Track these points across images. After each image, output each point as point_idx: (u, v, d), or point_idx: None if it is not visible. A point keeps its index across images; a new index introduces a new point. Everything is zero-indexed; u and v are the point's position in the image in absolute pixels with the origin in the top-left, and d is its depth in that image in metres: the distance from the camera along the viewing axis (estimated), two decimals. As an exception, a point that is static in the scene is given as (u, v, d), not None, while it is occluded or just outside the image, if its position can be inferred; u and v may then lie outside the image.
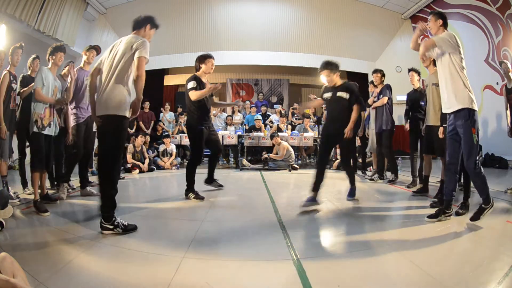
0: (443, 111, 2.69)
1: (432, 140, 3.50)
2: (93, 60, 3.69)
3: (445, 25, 2.60)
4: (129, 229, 2.35)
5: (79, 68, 3.63)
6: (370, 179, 4.90)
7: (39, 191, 3.01)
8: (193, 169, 3.60)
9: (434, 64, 3.57)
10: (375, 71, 4.82)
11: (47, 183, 3.56)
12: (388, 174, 4.85)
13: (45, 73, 3.09)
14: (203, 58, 3.76)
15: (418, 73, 4.25)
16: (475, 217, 2.43)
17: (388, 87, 4.61)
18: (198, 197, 3.50)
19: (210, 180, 4.00)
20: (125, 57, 2.37)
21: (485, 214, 2.43)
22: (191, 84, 3.55)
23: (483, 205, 2.44)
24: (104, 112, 2.37)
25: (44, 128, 3.03)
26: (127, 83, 2.42)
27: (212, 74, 12.59)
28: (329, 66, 3.41)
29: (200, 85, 3.59)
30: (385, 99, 4.52)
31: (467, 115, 2.44)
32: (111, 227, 2.29)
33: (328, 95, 3.50)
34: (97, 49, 3.71)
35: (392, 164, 4.68)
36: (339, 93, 3.38)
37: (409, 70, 4.30)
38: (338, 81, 3.44)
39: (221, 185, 4.07)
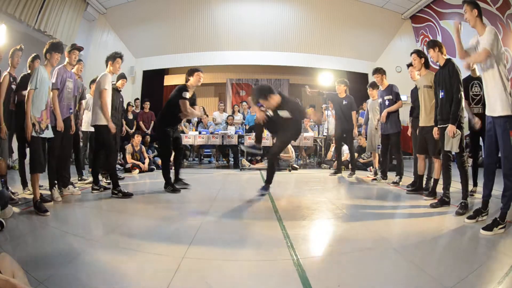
0: (488, 114, 2.52)
1: (425, 140, 3.56)
2: (75, 62, 3.65)
3: (480, 15, 2.50)
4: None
5: (62, 67, 3.53)
6: (373, 179, 4.89)
7: (27, 191, 3.12)
8: (169, 166, 4.00)
9: (426, 67, 3.64)
10: (375, 71, 4.72)
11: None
12: (391, 175, 4.85)
13: (41, 73, 3.00)
14: (191, 72, 3.97)
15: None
16: (489, 228, 2.27)
17: (396, 89, 4.51)
18: (174, 190, 3.91)
19: (176, 180, 4.18)
20: (97, 88, 3.72)
21: (498, 229, 2.26)
22: (187, 95, 3.85)
23: (498, 219, 2.29)
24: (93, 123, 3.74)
25: (42, 132, 2.99)
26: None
27: (212, 74, 12.61)
28: (261, 95, 3.60)
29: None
30: (400, 103, 4.47)
31: (507, 120, 2.35)
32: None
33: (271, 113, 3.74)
34: (79, 49, 3.64)
35: (400, 166, 4.62)
36: (280, 112, 3.61)
37: (408, 65, 4.19)
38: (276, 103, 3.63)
39: (187, 184, 4.21)
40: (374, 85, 5.03)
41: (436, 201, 3.22)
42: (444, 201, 3.12)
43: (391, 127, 4.48)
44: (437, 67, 3.31)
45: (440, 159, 3.37)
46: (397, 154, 4.62)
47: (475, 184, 3.67)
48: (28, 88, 2.91)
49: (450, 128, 2.94)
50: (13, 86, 3.27)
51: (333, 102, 5.64)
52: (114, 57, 3.92)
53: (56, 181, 3.52)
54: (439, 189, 3.38)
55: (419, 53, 3.66)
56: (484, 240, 2.16)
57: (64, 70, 3.51)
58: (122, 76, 4.81)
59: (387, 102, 4.53)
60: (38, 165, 2.96)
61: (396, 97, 4.47)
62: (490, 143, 2.49)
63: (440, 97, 3.13)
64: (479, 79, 3.46)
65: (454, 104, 2.96)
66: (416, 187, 3.90)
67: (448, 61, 3.11)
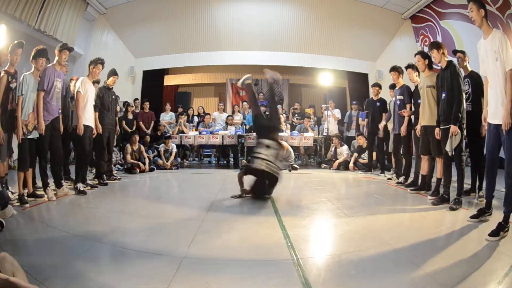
0: (489, 121, 2.49)
1: (428, 140, 3.54)
2: (65, 61, 3.63)
3: (486, 16, 2.44)
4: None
5: (51, 66, 3.49)
6: (398, 182, 4.63)
7: (26, 191, 3.30)
8: None
9: (430, 68, 3.61)
10: (392, 69, 4.61)
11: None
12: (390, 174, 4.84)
13: (26, 81, 3.20)
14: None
15: (417, 69, 4.09)
16: (494, 234, 2.19)
17: (409, 91, 4.38)
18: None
19: None
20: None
21: (503, 233, 2.20)
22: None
23: (502, 223, 2.23)
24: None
25: (29, 133, 3.23)
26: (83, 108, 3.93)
27: (212, 74, 12.62)
28: None
29: None
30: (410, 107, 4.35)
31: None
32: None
33: None
34: (69, 49, 3.65)
35: (409, 166, 4.49)
36: None
37: (406, 67, 4.17)
38: None
39: None
40: (394, 86, 4.93)
41: (437, 199, 3.24)
42: (444, 199, 3.17)
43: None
44: (438, 68, 3.31)
45: (442, 158, 3.37)
46: (406, 155, 4.54)
47: (473, 190, 3.56)
48: (18, 94, 3.15)
49: (453, 129, 2.98)
50: (12, 85, 3.21)
51: (368, 104, 5.66)
52: (96, 62, 4.07)
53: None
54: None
55: (423, 54, 3.63)
56: (484, 240, 2.16)
57: (52, 70, 3.49)
58: (113, 73, 4.67)
59: (398, 102, 4.46)
60: (23, 164, 3.24)
61: (407, 99, 4.34)
62: (492, 146, 2.49)
63: (442, 98, 3.16)
64: (468, 76, 3.44)
65: (456, 105, 3.00)
66: (419, 187, 3.89)
67: (450, 63, 3.13)
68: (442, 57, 3.16)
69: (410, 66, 4.10)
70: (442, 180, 3.35)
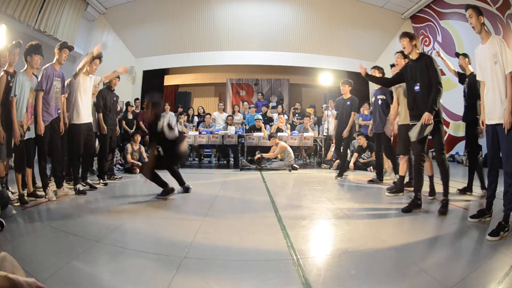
0: (486, 122, 2.49)
1: (407, 139, 3.18)
2: (64, 61, 3.57)
3: (484, 21, 2.47)
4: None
5: (50, 65, 3.45)
6: (370, 181, 4.62)
7: (26, 191, 3.31)
8: None
9: None
10: (374, 68, 4.53)
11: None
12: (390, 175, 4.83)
13: (20, 80, 3.12)
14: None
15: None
16: (495, 233, 2.17)
17: (391, 91, 4.19)
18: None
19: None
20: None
21: (504, 233, 2.18)
22: None
23: (503, 222, 2.21)
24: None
25: (24, 134, 3.18)
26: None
27: (212, 74, 12.59)
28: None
29: None
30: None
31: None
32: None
33: None
34: (70, 48, 3.60)
35: (395, 166, 4.38)
36: None
37: (391, 66, 4.07)
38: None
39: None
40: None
41: (407, 204, 3.02)
42: (416, 204, 2.96)
43: (383, 127, 4.24)
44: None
45: (430, 158, 3.30)
46: (390, 155, 4.41)
47: (469, 189, 3.57)
48: (11, 95, 3.08)
49: (426, 116, 2.74)
50: (11, 85, 3.21)
51: (338, 104, 5.41)
52: (93, 58, 3.93)
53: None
54: (438, 188, 3.20)
55: (403, 53, 3.45)
56: (484, 240, 2.16)
57: (51, 69, 3.44)
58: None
59: (380, 102, 4.35)
60: (20, 166, 3.22)
61: (390, 99, 4.17)
62: (491, 147, 2.48)
63: (415, 91, 2.94)
64: (469, 76, 3.58)
65: (433, 94, 2.78)
66: (397, 189, 3.72)
67: (423, 55, 2.97)
68: (413, 48, 2.98)
69: (394, 66, 3.98)
70: (413, 183, 3.19)
